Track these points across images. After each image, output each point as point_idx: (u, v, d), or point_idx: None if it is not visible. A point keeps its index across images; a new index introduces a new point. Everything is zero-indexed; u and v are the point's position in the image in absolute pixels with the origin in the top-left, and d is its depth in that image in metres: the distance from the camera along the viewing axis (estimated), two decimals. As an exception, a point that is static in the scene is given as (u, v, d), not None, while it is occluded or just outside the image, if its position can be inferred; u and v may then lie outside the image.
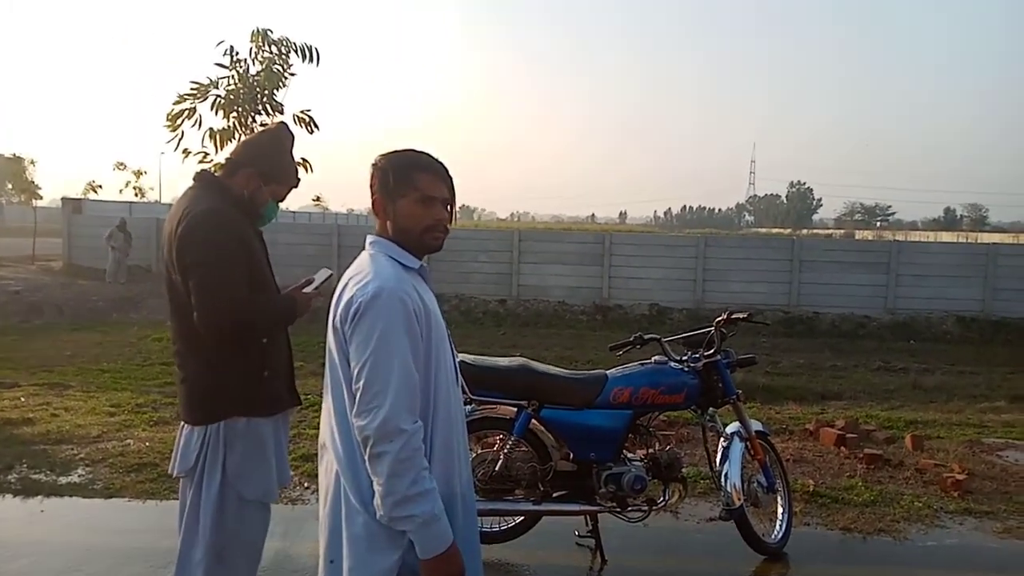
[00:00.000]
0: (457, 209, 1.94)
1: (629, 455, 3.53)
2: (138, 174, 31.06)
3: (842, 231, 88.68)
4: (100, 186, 27.50)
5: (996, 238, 47.21)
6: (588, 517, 3.59)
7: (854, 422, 5.93)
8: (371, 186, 1.81)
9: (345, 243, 17.48)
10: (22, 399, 6.45)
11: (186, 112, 5.20)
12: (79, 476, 4.52)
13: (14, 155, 25.99)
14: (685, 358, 3.64)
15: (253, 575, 2.47)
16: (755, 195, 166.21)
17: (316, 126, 5.56)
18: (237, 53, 5.51)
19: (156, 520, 3.94)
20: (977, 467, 5.05)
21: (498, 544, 3.60)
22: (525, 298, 16.88)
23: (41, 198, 27.82)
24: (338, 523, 1.73)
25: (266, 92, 5.57)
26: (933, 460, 5.08)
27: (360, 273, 1.72)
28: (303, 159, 5.20)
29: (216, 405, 2.31)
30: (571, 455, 3.45)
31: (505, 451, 3.41)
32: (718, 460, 3.66)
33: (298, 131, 5.50)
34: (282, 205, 2.67)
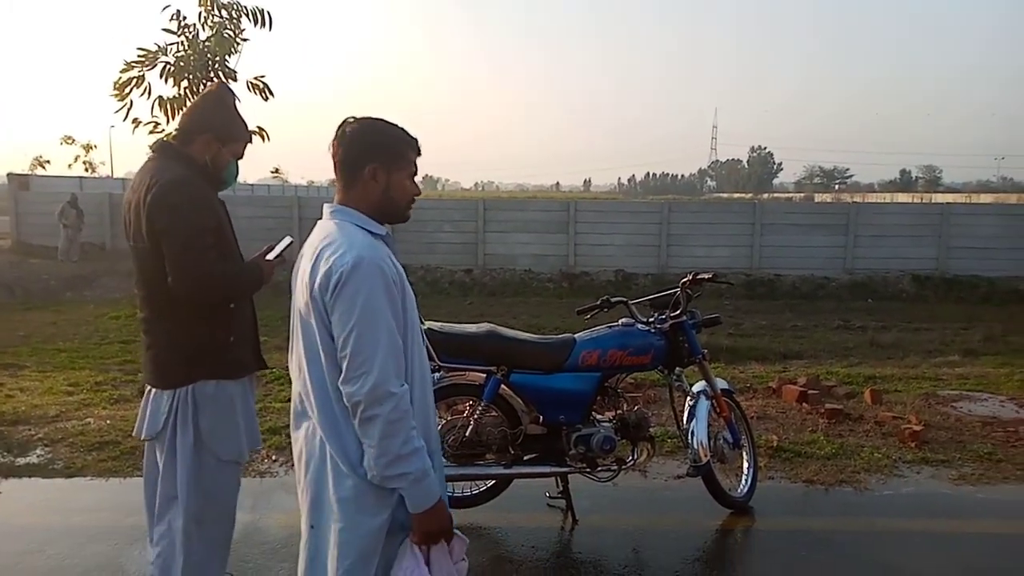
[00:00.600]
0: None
1: (598, 417, 3.56)
2: (87, 148, 30.13)
3: (802, 195, 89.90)
4: (48, 161, 26.59)
5: (950, 198, 48.32)
6: (558, 478, 3.62)
7: (815, 379, 6.07)
8: (352, 152, 1.81)
9: (306, 215, 17.20)
10: (-26, 381, 6.24)
11: (134, 80, 4.98)
12: (38, 456, 4.41)
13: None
14: (652, 320, 3.67)
15: (229, 537, 2.56)
16: (717, 161, 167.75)
17: (271, 92, 5.39)
18: (185, 18, 5.29)
19: (119, 498, 3.86)
20: (933, 418, 5.22)
21: (470, 508, 3.61)
22: (491, 267, 16.85)
23: (-19, 174, 26.80)
24: (320, 489, 1.78)
25: (217, 58, 5.37)
26: (891, 413, 5.23)
27: (333, 243, 1.73)
28: (259, 127, 5.06)
29: (187, 369, 2.37)
30: (541, 418, 3.47)
31: (475, 417, 3.41)
32: (685, 418, 3.71)
33: (253, 98, 5.36)
34: (240, 179, 2.73)
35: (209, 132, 2.44)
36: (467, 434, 3.39)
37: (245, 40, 5.47)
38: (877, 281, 16.01)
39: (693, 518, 3.70)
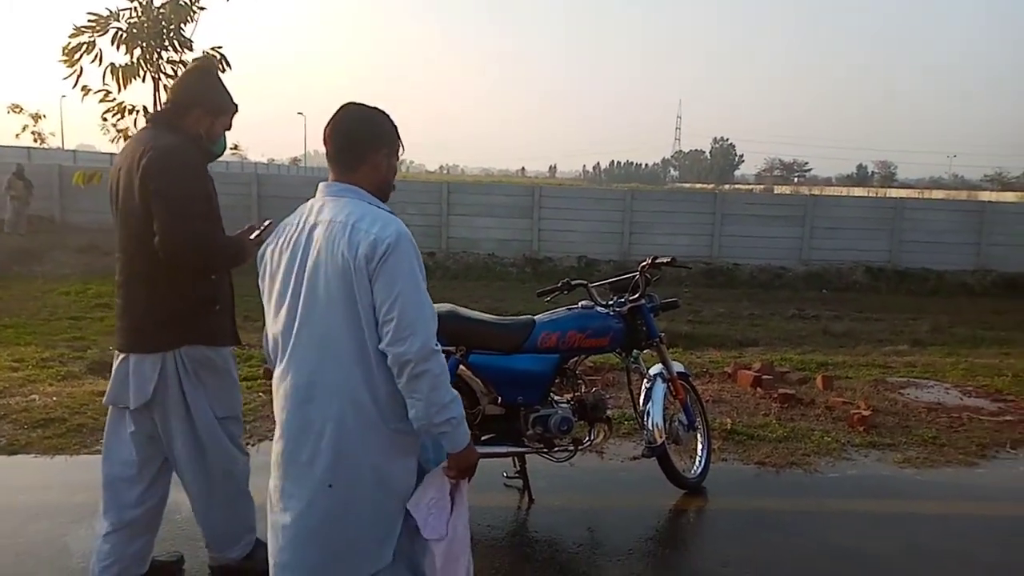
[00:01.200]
0: None
1: (556, 398, 3.56)
2: (36, 118, 28.95)
3: (762, 186, 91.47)
4: (-8, 130, 25.52)
5: (903, 193, 49.67)
6: (516, 459, 3.63)
7: (769, 365, 6.19)
8: (361, 137, 1.98)
9: (265, 192, 16.90)
10: (-88, 356, 6.00)
11: (84, 46, 4.78)
12: (-22, 434, 4.26)
13: None
14: (611, 303, 3.68)
15: (247, 485, 2.71)
16: (680, 151, 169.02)
17: (228, 64, 5.23)
18: (139, -18, 5.09)
19: (65, 476, 3.76)
20: (881, 404, 5.37)
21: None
22: (455, 251, 16.76)
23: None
24: (344, 448, 1.88)
25: (172, 26, 5.19)
26: (841, 398, 5.37)
27: (366, 216, 1.89)
28: (215, 50, 4.93)
29: (178, 331, 2.44)
30: (499, 399, 3.46)
31: (433, 396, 3.39)
32: (641, 400, 3.75)
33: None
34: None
35: (200, 106, 2.54)
36: (425, 413, 3.36)
37: (202, 9, 5.30)
38: (831, 272, 16.38)
39: (648, 498, 3.75)
